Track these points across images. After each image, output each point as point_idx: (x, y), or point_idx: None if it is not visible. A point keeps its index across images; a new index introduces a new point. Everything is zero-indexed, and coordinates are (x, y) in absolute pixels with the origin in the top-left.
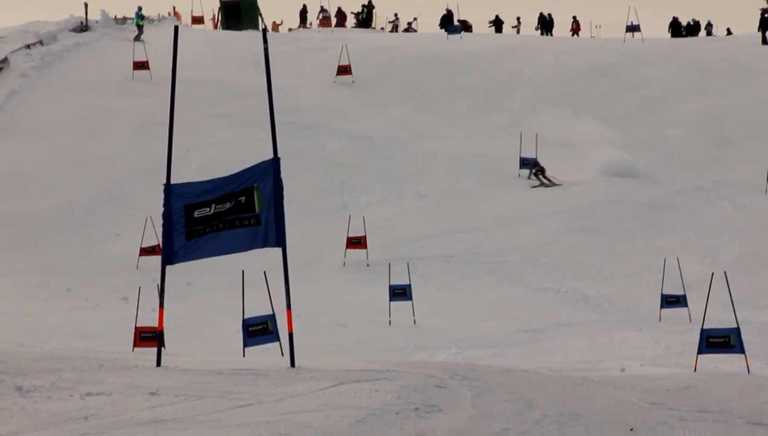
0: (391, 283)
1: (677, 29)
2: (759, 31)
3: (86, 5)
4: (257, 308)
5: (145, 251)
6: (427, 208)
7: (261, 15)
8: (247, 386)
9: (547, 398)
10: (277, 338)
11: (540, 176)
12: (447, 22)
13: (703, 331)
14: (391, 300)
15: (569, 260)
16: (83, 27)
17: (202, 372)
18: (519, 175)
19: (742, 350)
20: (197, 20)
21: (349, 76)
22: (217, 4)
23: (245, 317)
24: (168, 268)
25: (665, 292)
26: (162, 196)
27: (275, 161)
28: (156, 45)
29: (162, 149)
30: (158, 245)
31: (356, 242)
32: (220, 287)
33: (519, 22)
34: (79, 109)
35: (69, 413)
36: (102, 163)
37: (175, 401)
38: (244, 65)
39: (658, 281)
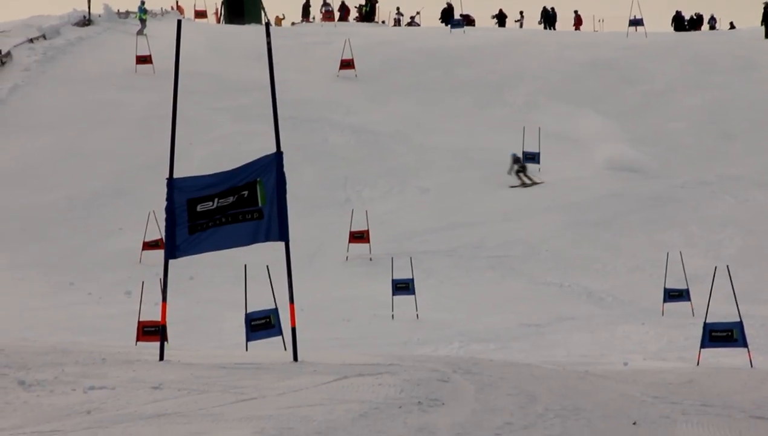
0: (394, 277)
1: (680, 23)
2: (762, 25)
3: None
4: (260, 303)
5: (148, 245)
6: (430, 203)
7: (264, 9)
8: (250, 380)
9: (549, 391)
10: (279, 332)
11: (521, 175)
12: (447, 16)
13: (705, 325)
14: (394, 294)
15: (572, 254)
16: (86, 21)
17: (205, 366)
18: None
19: (744, 344)
20: (200, 14)
21: (352, 71)
22: None
23: (248, 311)
24: (171, 262)
25: (668, 286)
26: (165, 190)
27: (278, 155)
28: (159, 39)
29: (165, 143)
30: (161, 239)
31: (359, 236)
32: (222, 281)
33: (522, 16)
34: (82, 104)
35: (72, 407)
36: (105, 157)
37: (178, 395)
38: (247, 59)
39: (661, 275)
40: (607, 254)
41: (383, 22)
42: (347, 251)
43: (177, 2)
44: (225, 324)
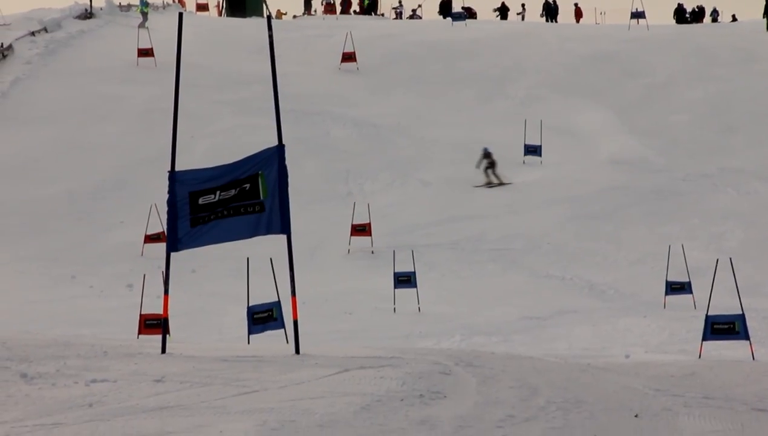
0: (396, 270)
1: (682, 16)
2: (764, 17)
3: None
4: (262, 296)
5: (150, 239)
6: (431, 196)
7: (266, 2)
8: (252, 372)
9: (551, 384)
10: (282, 326)
11: (489, 172)
12: (446, 9)
13: (707, 317)
14: (395, 287)
15: (574, 247)
16: (88, 14)
17: (206, 359)
18: (524, 162)
19: (746, 337)
20: (202, 7)
21: (353, 64)
22: None
23: (250, 304)
24: (173, 255)
25: (670, 279)
26: (166, 183)
27: (280, 148)
28: (160, 32)
29: (166, 136)
30: (163, 232)
31: (361, 230)
32: (224, 274)
33: (524, 9)
34: (84, 97)
35: (74, 400)
36: (106, 151)
37: (180, 387)
38: (249, 53)
39: (663, 267)
40: (608, 247)
41: (382, 14)
42: (349, 244)
43: None
44: (227, 317)
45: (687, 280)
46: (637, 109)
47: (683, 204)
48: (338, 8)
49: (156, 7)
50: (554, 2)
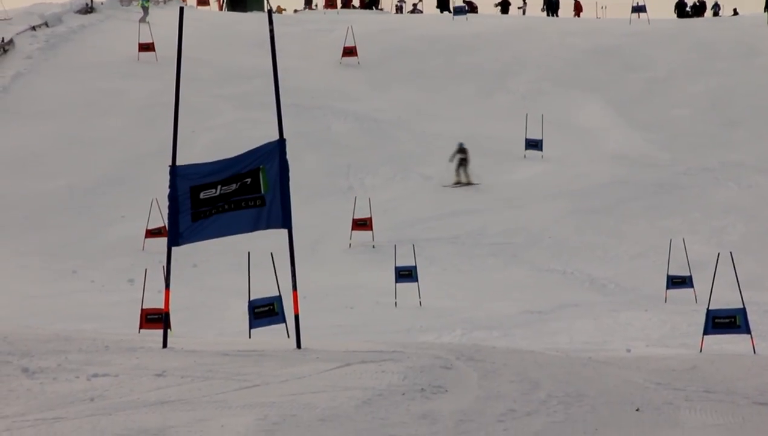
0: (397, 264)
1: (683, 10)
2: (765, 11)
3: None
4: (263, 290)
5: (151, 233)
6: (432, 190)
7: None
8: (253, 367)
9: (552, 378)
10: (283, 320)
11: (460, 171)
12: (444, 3)
13: (708, 311)
14: (396, 282)
15: (575, 241)
16: (88, 9)
17: (208, 353)
18: (525, 156)
19: (747, 331)
20: (202, 2)
21: (354, 58)
22: None
23: (251, 298)
24: (174, 250)
25: (671, 272)
26: (167, 177)
27: (281, 143)
28: (161, 27)
29: (167, 131)
30: (164, 226)
31: (362, 224)
32: (226, 268)
33: (525, 3)
34: (85, 91)
35: (75, 394)
36: (107, 145)
37: (181, 382)
38: (250, 47)
39: (664, 261)
40: (609, 241)
41: (381, 8)
42: (350, 238)
43: None
44: (228, 311)
45: (688, 274)
46: (638, 104)
47: (684, 198)
48: (339, 3)
49: (157, 2)
50: None
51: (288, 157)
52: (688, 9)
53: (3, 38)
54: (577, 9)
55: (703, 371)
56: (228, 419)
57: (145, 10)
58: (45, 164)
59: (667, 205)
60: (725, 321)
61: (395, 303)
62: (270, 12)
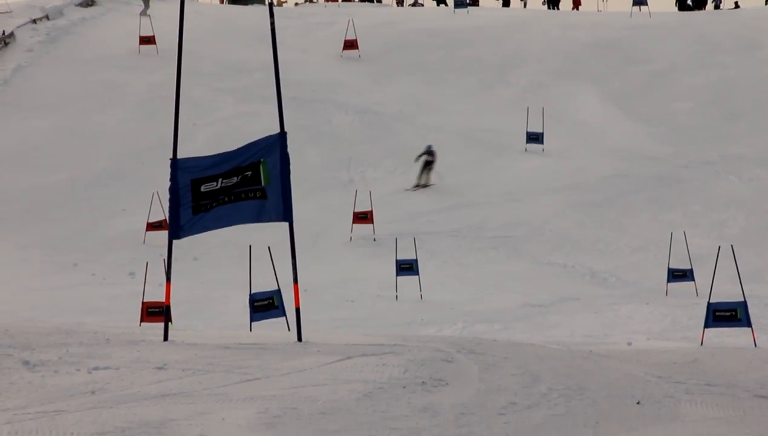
0: (398, 258)
1: (684, 3)
2: (767, 4)
3: None
4: (264, 283)
5: (152, 226)
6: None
7: None
8: (254, 360)
9: (553, 371)
10: (283, 313)
11: (423, 173)
12: None
13: (709, 304)
14: (397, 275)
15: (576, 235)
16: (89, 1)
17: (209, 347)
18: (526, 149)
19: (748, 324)
20: None
21: (355, 51)
22: None
23: (252, 291)
24: (175, 243)
25: (672, 266)
26: (168, 170)
27: (282, 136)
28: (162, 20)
29: (168, 124)
30: (165, 219)
31: (363, 217)
32: (227, 261)
33: None
34: (86, 84)
35: (76, 387)
36: (108, 138)
37: (182, 375)
38: (251, 40)
39: (665, 255)
40: (610, 234)
41: (379, 1)
42: (351, 231)
43: None
44: (229, 305)
45: (689, 267)
46: (639, 97)
47: (685, 191)
48: None
49: None
50: None
51: (289, 150)
52: (689, 2)
53: (4, 31)
54: (577, 2)
55: (703, 364)
56: (229, 412)
57: (146, 3)
58: (46, 157)
59: (667, 199)
60: (726, 314)
61: (396, 296)
62: (271, 5)
